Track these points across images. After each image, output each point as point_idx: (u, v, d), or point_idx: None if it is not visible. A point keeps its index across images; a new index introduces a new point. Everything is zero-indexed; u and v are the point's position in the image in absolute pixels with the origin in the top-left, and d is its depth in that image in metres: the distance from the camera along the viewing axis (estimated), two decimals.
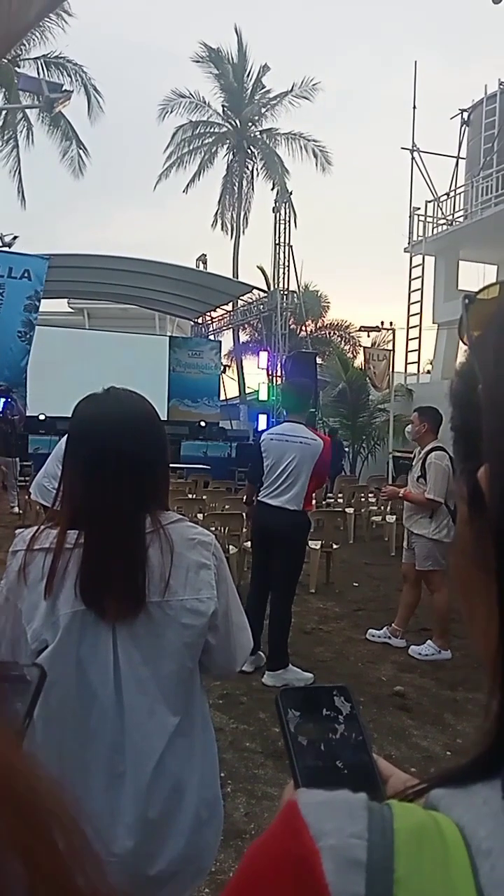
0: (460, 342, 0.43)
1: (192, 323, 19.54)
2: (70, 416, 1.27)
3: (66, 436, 1.35)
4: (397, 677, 4.56)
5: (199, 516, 7.18)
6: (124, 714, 1.16)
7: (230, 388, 25.30)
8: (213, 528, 6.61)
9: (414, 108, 17.23)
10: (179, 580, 1.19)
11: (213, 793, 1.28)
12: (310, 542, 6.93)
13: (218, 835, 1.31)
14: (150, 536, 1.19)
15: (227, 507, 7.70)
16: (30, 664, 0.66)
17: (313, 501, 5.08)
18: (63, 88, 8.28)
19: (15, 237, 12.99)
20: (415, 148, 17.20)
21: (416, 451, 5.17)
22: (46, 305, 12.90)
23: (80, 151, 21.45)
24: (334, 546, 6.99)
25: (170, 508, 1.31)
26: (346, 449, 15.83)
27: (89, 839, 0.27)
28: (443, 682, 4.49)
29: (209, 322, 18.84)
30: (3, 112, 20.11)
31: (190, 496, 8.80)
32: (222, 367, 19.47)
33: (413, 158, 17.21)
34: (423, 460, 4.88)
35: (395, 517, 9.20)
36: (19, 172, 21.72)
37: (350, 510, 9.84)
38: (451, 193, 17.43)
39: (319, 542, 6.96)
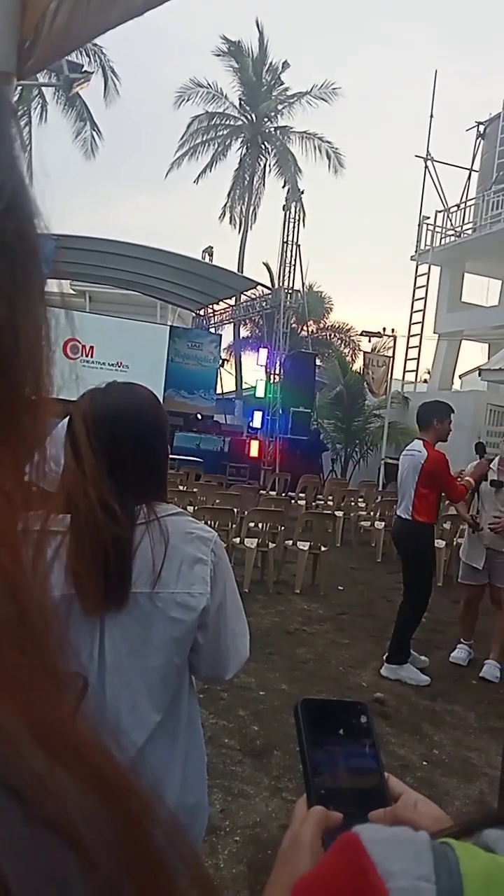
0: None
1: (194, 314, 19.47)
2: (64, 399, 1.25)
3: (63, 420, 1.33)
4: (377, 684, 4.58)
5: (190, 509, 7.16)
6: (105, 705, 1.13)
7: (227, 383, 25.29)
8: (203, 522, 6.57)
9: (431, 116, 17.26)
10: (172, 573, 1.17)
11: (195, 800, 1.25)
12: (298, 544, 6.96)
13: (198, 842, 1.29)
14: (144, 526, 1.17)
15: (217, 501, 7.68)
16: (72, 672, 0.64)
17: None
18: (83, 69, 8.20)
19: None
20: (429, 157, 17.22)
21: (497, 466, 4.99)
22: (48, 285, 12.81)
23: (94, 133, 21.34)
24: (322, 548, 7.00)
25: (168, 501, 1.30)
26: (327, 448, 15.87)
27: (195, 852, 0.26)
28: (422, 693, 4.51)
29: (211, 315, 18.77)
30: (19, 87, 19.93)
31: (181, 488, 8.78)
32: (221, 361, 19.44)
33: (426, 167, 17.23)
34: None
35: (383, 523, 9.22)
36: (30, 149, 21.58)
37: (339, 513, 9.85)
38: (462, 205, 17.45)
39: (308, 543, 6.96)
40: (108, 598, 1.13)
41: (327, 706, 0.59)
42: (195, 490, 8.65)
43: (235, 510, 7.13)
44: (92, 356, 15.01)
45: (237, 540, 6.82)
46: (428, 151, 17.24)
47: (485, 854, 0.34)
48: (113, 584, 1.13)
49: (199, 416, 15.70)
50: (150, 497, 1.21)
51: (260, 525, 7.07)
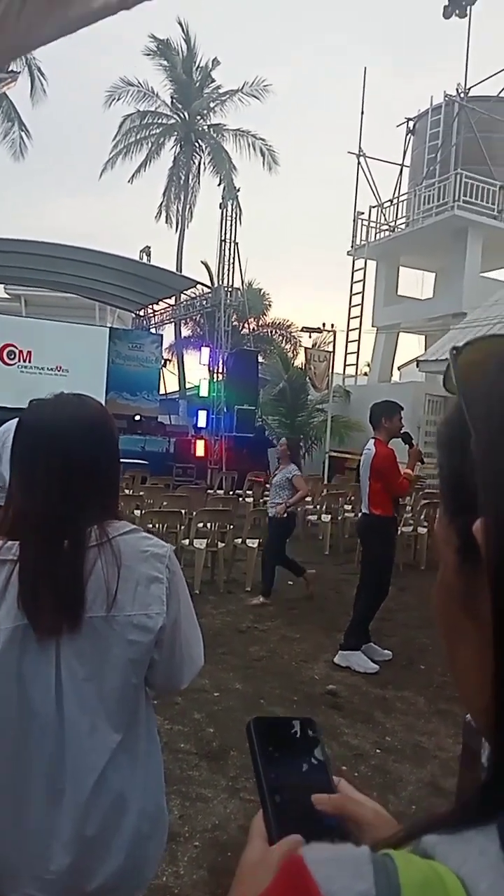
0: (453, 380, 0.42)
1: (133, 315, 19.24)
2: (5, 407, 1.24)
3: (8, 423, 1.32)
4: (329, 676, 4.64)
5: (137, 513, 7.10)
6: (65, 731, 1.13)
7: (170, 383, 25.11)
8: (151, 526, 6.55)
9: (362, 113, 17.54)
10: (128, 594, 1.15)
11: (155, 805, 1.27)
12: (247, 542, 6.99)
13: (161, 847, 1.31)
14: (96, 549, 1.15)
15: (164, 503, 7.64)
16: None
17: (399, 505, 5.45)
18: (9, 69, 8.00)
19: None
20: (361, 153, 17.48)
21: None
22: None
23: (23, 133, 20.86)
24: None
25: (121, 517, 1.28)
26: (273, 444, 15.92)
27: None
28: (373, 681, 4.61)
29: (151, 315, 18.59)
30: None
31: (127, 492, 8.69)
32: (163, 361, 19.29)
33: (359, 163, 17.49)
34: None
35: (329, 517, 9.34)
36: None
37: None
38: (395, 200, 17.78)
39: (257, 540, 7.00)
40: (62, 625, 1.12)
41: (277, 723, 0.61)
42: (142, 493, 8.57)
43: (183, 511, 7.11)
44: (30, 361, 14.69)
45: (186, 541, 6.80)
46: (360, 148, 17.50)
47: (422, 861, 0.35)
48: (67, 611, 1.12)
49: (137, 418, 15.49)
50: (102, 516, 1.19)
51: (209, 525, 7.07)
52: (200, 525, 7.10)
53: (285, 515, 6.40)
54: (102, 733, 1.16)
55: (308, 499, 10.84)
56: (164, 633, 1.20)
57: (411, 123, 17.60)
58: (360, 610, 4.99)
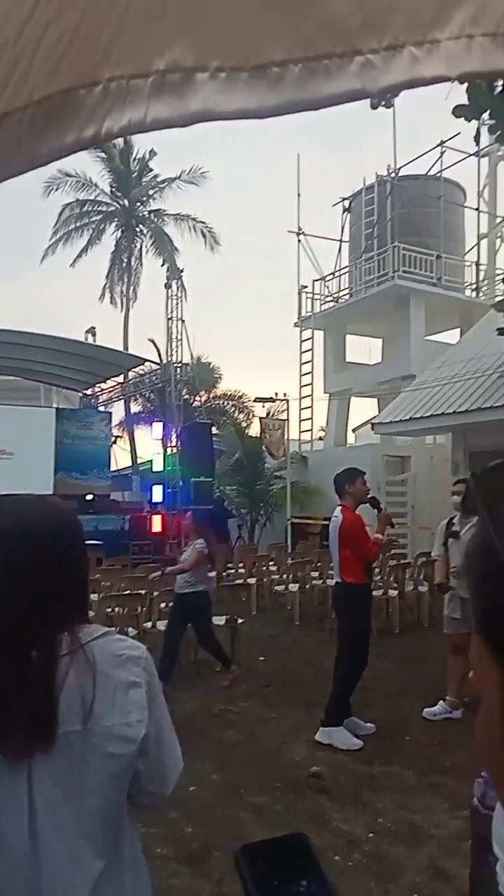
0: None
1: (81, 394, 19.16)
2: None
3: None
4: (312, 756, 4.36)
5: (94, 597, 6.75)
6: (41, 863, 0.98)
7: (121, 459, 24.82)
8: (110, 610, 6.24)
9: (298, 195, 18.41)
10: (105, 704, 1.04)
11: None
12: (213, 619, 6.71)
13: None
14: (68, 658, 1.04)
15: (122, 586, 7.29)
16: None
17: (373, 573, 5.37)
18: None
19: None
20: (300, 231, 18.24)
21: (458, 519, 5.17)
22: None
23: None
24: (238, 620, 6.76)
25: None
26: (234, 514, 15.70)
27: None
28: (358, 758, 4.35)
29: (99, 393, 18.56)
30: None
31: None
32: (113, 438, 19.10)
33: (299, 241, 18.22)
34: None
35: (297, 585, 9.12)
36: None
37: (252, 580, 9.67)
38: (337, 273, 18.49)
39: (223, 617, 6.72)
40: (33, 743, 0.99)
41: (266, 847, 0.58)
42: (97, 576, 8.18)
43: (144, 592, 6.81)
44: None
45: (149, 624, 6.48)
46: (299, 227, 18.28)
47: None
48: (38, 727, 1.00)
49: (89, 497, 15.11)
50: (73, 621, 1.09)
51: (171, 605, 6.76)
52: (163, 606, 6.79)
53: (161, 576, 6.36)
54: (84, 862, 1.01)
55: (273, 567, 10.67)
56: (149, 741, 1.08)
57: (347, 202, 18.52)
58: (340, 683, 4.76)
